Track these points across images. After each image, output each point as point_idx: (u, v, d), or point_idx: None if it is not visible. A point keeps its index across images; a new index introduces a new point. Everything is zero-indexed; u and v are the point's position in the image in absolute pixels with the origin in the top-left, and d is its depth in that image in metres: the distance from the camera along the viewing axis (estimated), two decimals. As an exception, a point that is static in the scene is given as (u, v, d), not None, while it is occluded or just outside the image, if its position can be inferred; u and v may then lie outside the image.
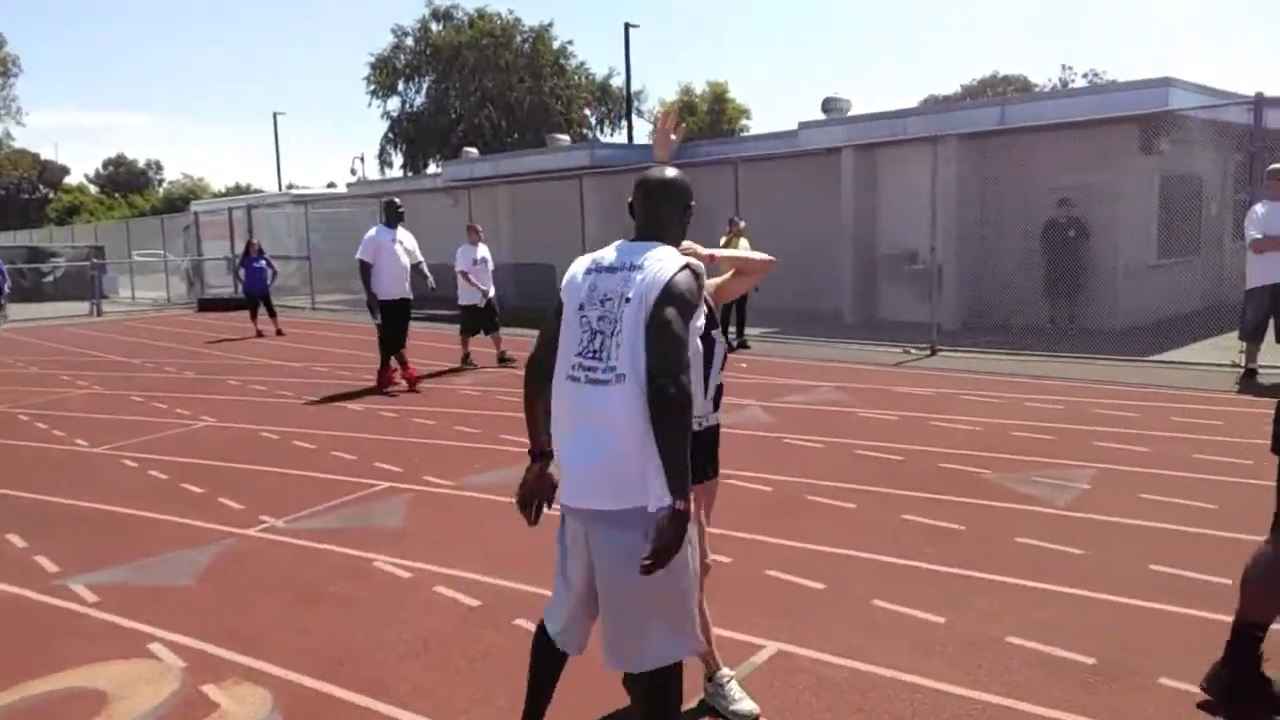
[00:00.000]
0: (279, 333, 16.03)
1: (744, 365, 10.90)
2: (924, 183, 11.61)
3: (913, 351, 11.23)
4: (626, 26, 30.42)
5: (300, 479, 6.52)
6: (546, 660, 2.77)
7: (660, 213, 2.61)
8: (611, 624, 2.51)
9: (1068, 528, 4.95)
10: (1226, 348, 9.73)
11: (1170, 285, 13.45)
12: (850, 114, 16.96)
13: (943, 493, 5.63)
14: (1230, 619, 3.17)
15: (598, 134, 38.21)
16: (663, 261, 2.42)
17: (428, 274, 10.28)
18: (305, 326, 17.77)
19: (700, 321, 2.54)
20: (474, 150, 25.85)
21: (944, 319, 12.16)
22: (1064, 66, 45.64)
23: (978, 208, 13.71)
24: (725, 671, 3.26)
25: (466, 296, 11.55)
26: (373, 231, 9.79)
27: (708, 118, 38.96)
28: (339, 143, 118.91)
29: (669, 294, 2.35)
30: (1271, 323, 8.50)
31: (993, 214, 13.64)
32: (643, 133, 39.42)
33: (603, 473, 2.40)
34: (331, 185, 40.21)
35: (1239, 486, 5.54)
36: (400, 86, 37.53)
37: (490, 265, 11.74)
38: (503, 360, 11.42)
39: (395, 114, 37.87)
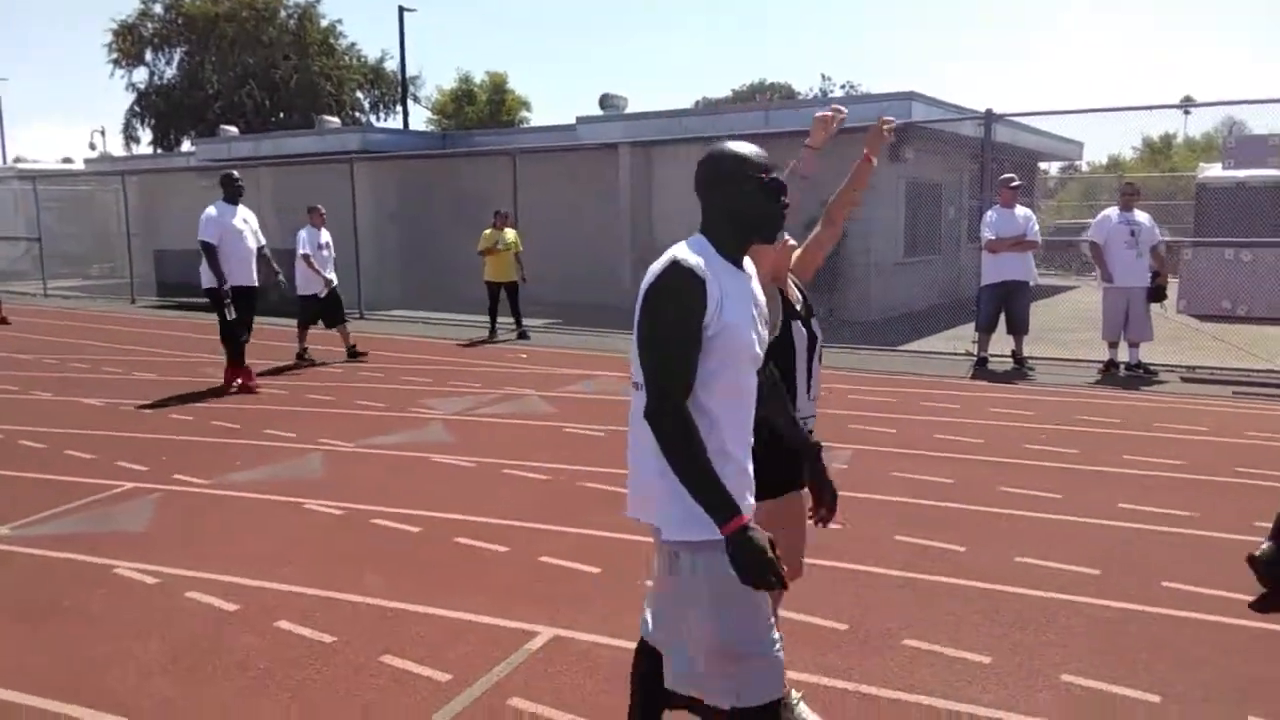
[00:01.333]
0: (3, 321, 14.34)
1: (524, 356, 10.87)
2: (697, 180, 12.00)
3: (686, 342, 11.57)
4: (401, 9, 29.48)
5: (28, 482, 5.85)
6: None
7: (701, 197, 2.25)
8: (658, 635, 2.36)
9: (826, 505, 5.27)
10: (962, 338, 10.71)
11: (916, 281, 14.68)
12: (627, 111, 17.29)
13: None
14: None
15: (371, 118, 36.83)
16: (659, 261, 2.15)
17: (275, 263, 9.03)
18: (35, 315, 16.00)
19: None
20: (233, 129, 24.17)
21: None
22: (823, 77, 48.73)
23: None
24: (793, 693, 3.04)
25: (306, 285, 10.49)
26: (212, 210, 8.54)
27: (487, 108, 38.49)
28: (77, 115, 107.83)
29: (644, 301, 2.12)
30: (1003, 316, 9.44)
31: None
32: (418, 118, 38.42)
33: (630, 482, 2.28)
34: (68, 160, 36.39)
35: (972, 463, 6.10)
36: (148, 57, 34.49)
37: (332, 253, 10.73)
38: (353, 354, 10.56)
39: (142, 86, 34.80)
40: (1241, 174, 14.50)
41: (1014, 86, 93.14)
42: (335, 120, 23.30)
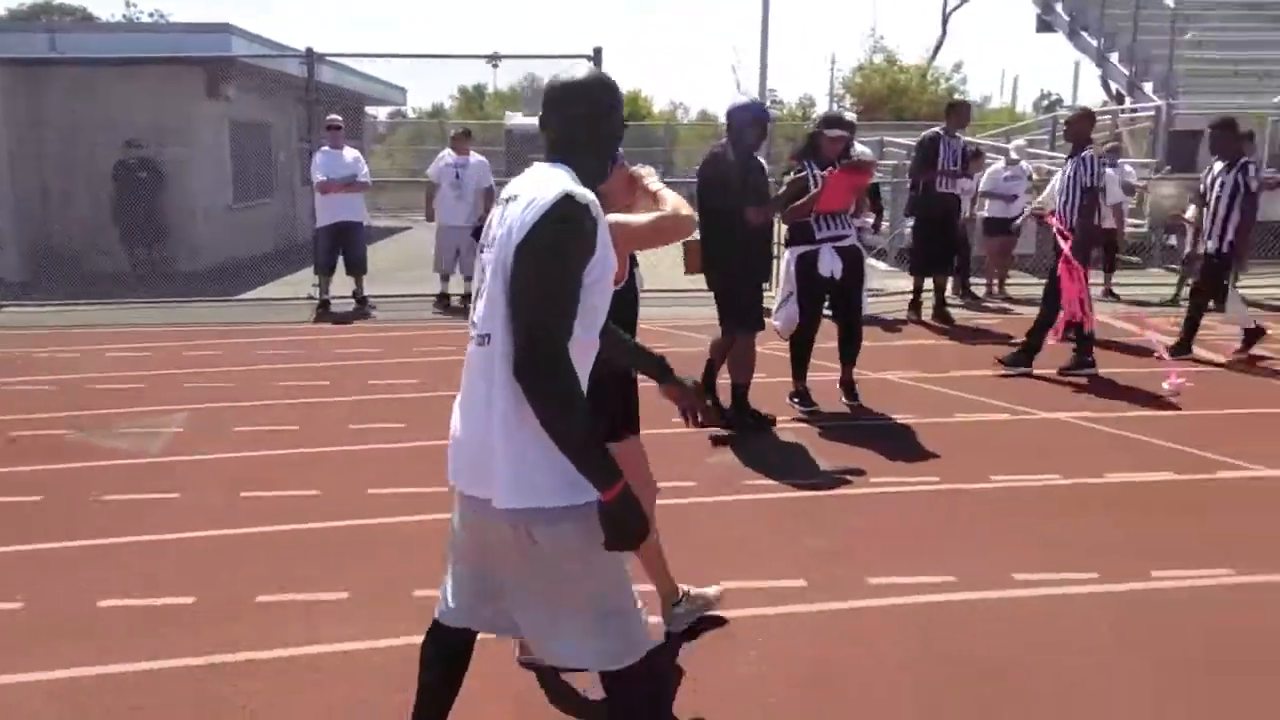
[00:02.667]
0: None
1: None
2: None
3: (-33, 310, 9.55)
4: None
5: None
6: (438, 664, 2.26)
7: (559, 126, 2.06)
8: (521, 617, 2.12)
9: (161, 474, 4.78)
10: (303, 282, 10.46)
11: (248, 226, 14.00)
12: None
13: (14, 464, 4.91)
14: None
15: None
16: (538, 190, 1.92)
17: None
18: None
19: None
20: None
21: (5, 271, 10.63)
22: (128, 3, 43.30)
23: (35, 145, 12.18)
24: (683, 587, 3.16)
25: None
26: None
27: None
28: None
29: (532, 237, 1.87)
30: (341, 257, 9.43)
31: (54, 153, 12.27)
32: None
33: (459, 448, 2.10)
34: None
35: (319, 405, 6.05)
36: None
37: None
38: None
39: None
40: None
41: (340, 28, 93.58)
42: None
